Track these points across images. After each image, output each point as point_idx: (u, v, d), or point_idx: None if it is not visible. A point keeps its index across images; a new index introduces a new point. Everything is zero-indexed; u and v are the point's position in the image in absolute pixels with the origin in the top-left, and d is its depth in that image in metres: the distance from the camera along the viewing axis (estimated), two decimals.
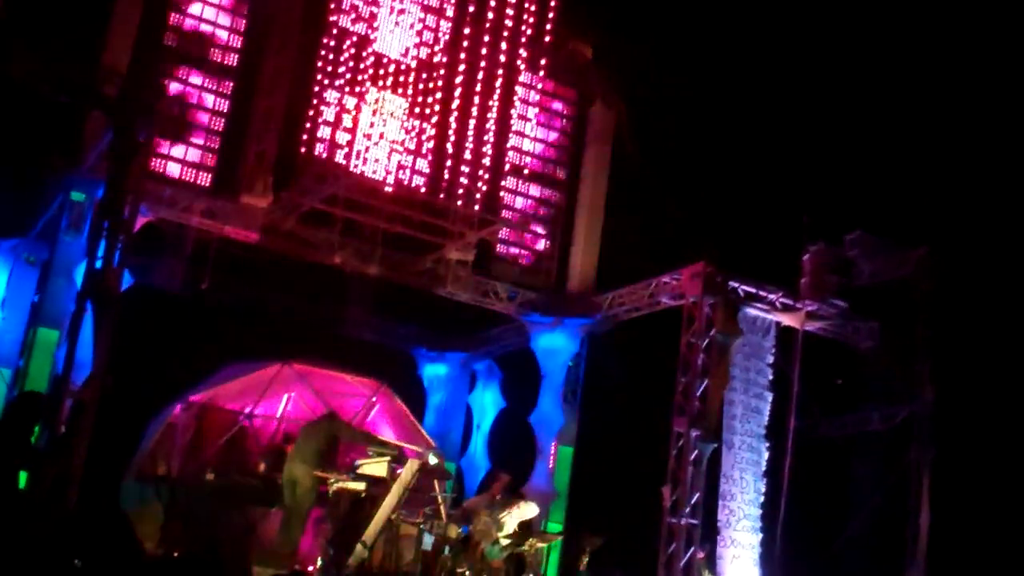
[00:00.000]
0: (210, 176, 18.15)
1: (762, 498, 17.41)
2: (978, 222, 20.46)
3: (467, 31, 19.57)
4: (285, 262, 19.06)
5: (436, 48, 19.46)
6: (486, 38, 19.75)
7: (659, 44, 20.90)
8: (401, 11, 19.31)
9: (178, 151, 18.01)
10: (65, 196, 16.97)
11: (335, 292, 19.87)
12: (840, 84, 22.59)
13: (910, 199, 20.55)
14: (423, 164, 19.32)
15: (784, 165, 21.71)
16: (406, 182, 19.15)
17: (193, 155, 18.13)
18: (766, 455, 17.65)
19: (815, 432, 19.23)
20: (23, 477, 11.90)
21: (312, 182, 18.12)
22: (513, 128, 20.65)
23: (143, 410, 17.76)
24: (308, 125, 18.42)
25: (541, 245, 20.98)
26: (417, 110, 19.21)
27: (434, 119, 19.29)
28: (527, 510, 15.60)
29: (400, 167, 19.08)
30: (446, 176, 19.52)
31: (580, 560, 16.47)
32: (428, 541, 15.54)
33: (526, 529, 16.29)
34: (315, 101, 18.41)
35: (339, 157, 18.59)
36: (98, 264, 14.20)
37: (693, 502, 17.11)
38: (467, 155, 19.55)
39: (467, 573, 14.80)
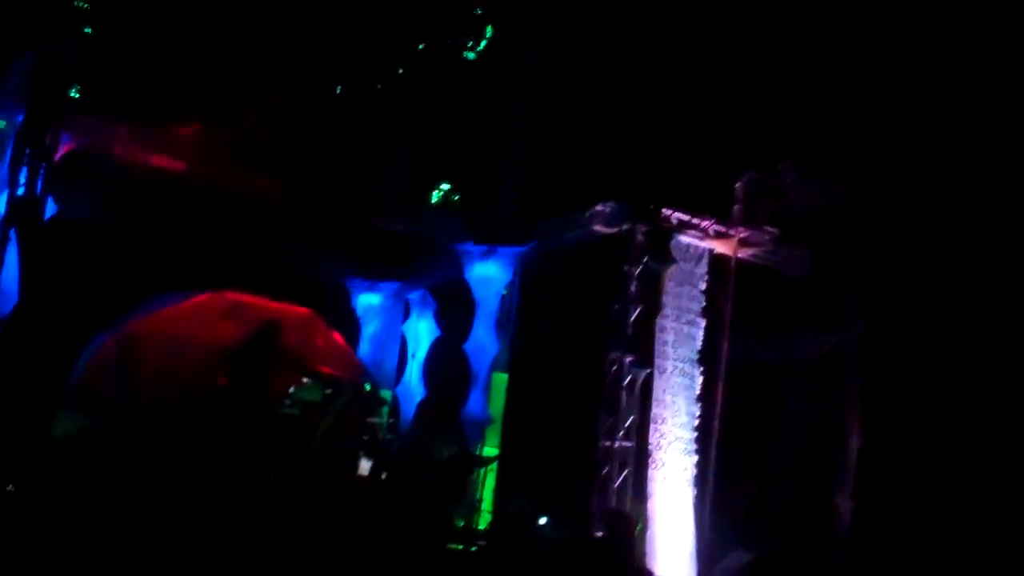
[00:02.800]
0: (135, 103, 17.77)
1: (696, 422, 17.55)
2: (907, 150, 20.63)
3: None
4: (214, 191, 18.73)
5: None
6: None
7: None
8: None
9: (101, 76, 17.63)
10: None
11: (267, 222, 19.60)
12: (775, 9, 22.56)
13: (841, 127, 20.64)
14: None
15: (717, 93, 21.69)
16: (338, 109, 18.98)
17: (118, 81, 17.75)
18: (699, 380, 17.78)
19: (748, 358, 19.38)
20: None
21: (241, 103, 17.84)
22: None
23: (75, 339, 17.51)
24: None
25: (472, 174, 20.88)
26: None
27: None
28: None
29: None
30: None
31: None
32: (365, 466, 15.62)
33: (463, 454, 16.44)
34: None
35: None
36: (20, 191, 13.98)
37: (627, 426, 17.25)
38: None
39: None
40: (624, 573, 13.59)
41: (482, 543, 15.94)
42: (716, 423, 17.76)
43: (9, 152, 15.79)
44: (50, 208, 15.56)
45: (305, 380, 15.22)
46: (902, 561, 17.83)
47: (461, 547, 15.35)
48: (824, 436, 19.00)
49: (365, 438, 15.34)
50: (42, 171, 14.50)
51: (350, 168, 19.15)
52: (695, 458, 17.39)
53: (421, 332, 22.42)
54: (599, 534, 16.00)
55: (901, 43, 20.92)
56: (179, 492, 11.38)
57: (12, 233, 14.32)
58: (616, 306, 17.76)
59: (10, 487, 10.15)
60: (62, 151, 15.87)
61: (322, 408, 14.69)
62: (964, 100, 19.91)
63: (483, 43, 21.22)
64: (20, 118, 15.45)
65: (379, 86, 19.51)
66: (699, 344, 17.92)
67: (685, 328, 17.90)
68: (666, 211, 17.94)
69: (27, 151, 14.61)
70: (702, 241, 18.31)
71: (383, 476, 15.31)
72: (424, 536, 13.66)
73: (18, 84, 15.90)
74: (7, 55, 16.45)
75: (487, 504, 18.09)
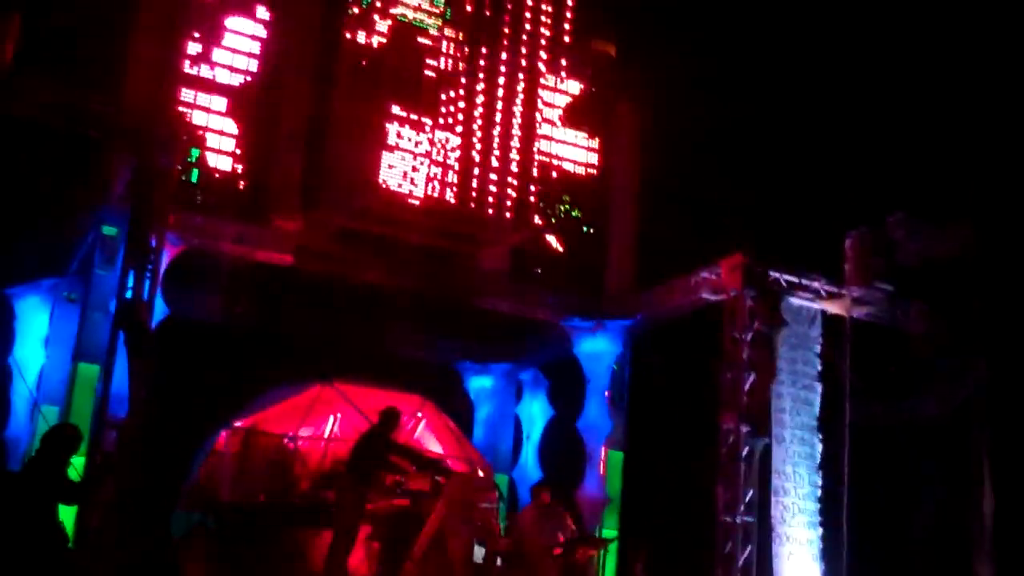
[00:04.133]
0: (239, 201, 18.11)
1: (818, 491, 16.99)
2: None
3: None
4: (321, 283, 18.92)
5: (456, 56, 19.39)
6: (505, 43, 19.65)
7: (684, 35, 20.62)
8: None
9: (202, 177, 17.98)
10: (97, 231, 16.93)
11: (373, 310, 19.72)
12: (873, 65, 22.19)
13: (952, 176, 20.09)
14: (452, 176, 19.24)
15: (819, 150, 21.33)
16: (435, 194, 19.07)
17: (220, 182, 18.10)
18: (819, 447, 17.24)
19: (870, 421, 18.78)
20: (64, 510, 11.89)
21: (341, 198, 18.03)
22: (539, 132, 20.46)
23: (189, 440, 17.71)
24: (332, 143, 18.37)
25: (577, 248, 20.73)
26: (441, 121, 19.13)
27: (459, 128, 19.19)
28: None
29: (429, 180, 19.00)
30: (475, 185, 19.43)
31: (635, 566, 16.24)
32: (479, 554, 15.37)
33: (578, 537, 16.09)
34: (337, 119, 18.34)
35: (366, 174, 18.57)
36: (128, 295, 14.21)
37: (747, 500, 16.76)
38: (494, 162, 19.44)
39: None
40: None
41: None
42: (842, 492, 17.16)
43: (120, 258, 16.18)
44: (164, 310, 15.82)
45: (415, 469, 15.06)
46: None
47: None
48: (957, 499, 18.24)
49: (479, 524, 15.10)
50: (148, 273, 14.71)
51: (451, 250, 19.19)
52: (820, 531, 16.80)
53: (535, 413, 22.22)
54: None
55: (1007, 82, 20.36)
56: None
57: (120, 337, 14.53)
58: (728, 374, 17.35)
59: None
60: (173, 252, 16.18)
61: (433, 496, 14.51)
62: None
63: None
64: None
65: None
66: (817, 410, 17.40)
67: (802, 394, 17.41)
68: (774, 273, 17.57)
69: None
70: (814, 303, 17.87)
71: (498, 562, 15.05)
72: None
73: (125, 190, 16.30)
74: (113, 162, 16.90)
75: None
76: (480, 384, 22.77)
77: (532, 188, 20.32)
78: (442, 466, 14.89)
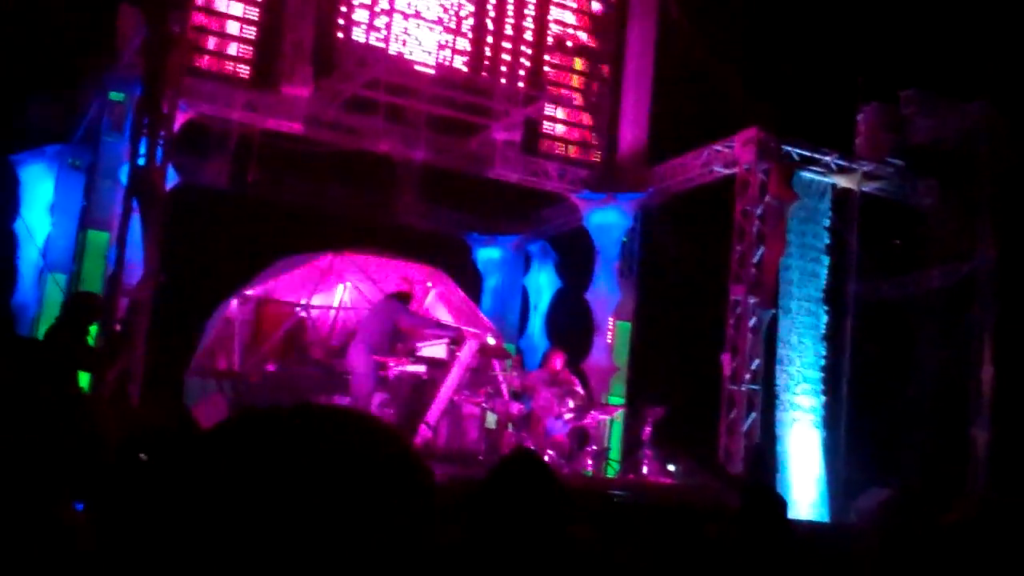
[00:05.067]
0: (249, 68, 17.97)
1: (822, 361, 17.25)
2: None
3: None
4: (330, 152, 18.88)
5: None
6: None
7: None
8: None
9: (215, 44, 17.82)
10: (104, 97, 16.85)
11: (383, 181, 19.71)
12: None
13: (966, 54, 19.89)
14: (464, 43, 19.06)
15: (833, 24, 21.09)
16: (447, 62, 18.90)
17: (230, 48, 17.93)
18: (825, 319, 17.44)
19: (875, 294, 18.95)
20: (84, 377, 12.04)
21: (352, 67, 17.88)
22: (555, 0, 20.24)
23: (199, 308, 17.86)
24: (344, 9, 18.17)
25: (589, 120, 20.64)
26: None
27: None
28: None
29: (440, 47, 18.82)
30: (488, 54, 19.26)
31: (643, 431, 16.46)
32: (491, 420, 15.64)
33: (588, 403, 16.34)
34: None
35: (377, 41, 18.37)
36: (141, 162, 14.19)
37: (753, 368, 16.99)
38: (508, 30, 19.24)
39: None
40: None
41: (615, 493, 15.83)
42: (845, 362, 17.40)
43: (128, 125, 16.11)
44: (173, 178, 15.80)
45: (430, 336, 15.23)
46: None
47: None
48: (957, 368, 18.50)
49: (490, 391, 15.33)
50: (161, 140, 14.65)
51: (462, 121, 19.09)
52: (823, 399, 17.07)
53: (542, 284, 22.34)
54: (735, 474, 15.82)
55: None
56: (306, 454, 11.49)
57: (134, 204, 14.54)
58: (738, 247, 17.46)
59: (143, 456, 10.32)
60: (181, 119, 16.10)
61: (448, 363, 14.70)
62: None
63: None
64: (138, 90, 15.68)
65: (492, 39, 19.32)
66: (824, 282, 17.56)
67: (809, 266, 17.56)
68: (786, 147, 17.56)
69: (145, 121, 14.78)
70: (825, 176, 17.90)
71: (509, 428, 15.32)
72: (551, 488, 13.59)
73: (134, 55, 16.16)
74: (122, 26, 16.72)
75: (615, 453, 18.00)
76: (488, 255, 22.88)
77: (546, 58, 20.14)
78: (457, 334, 15.02)
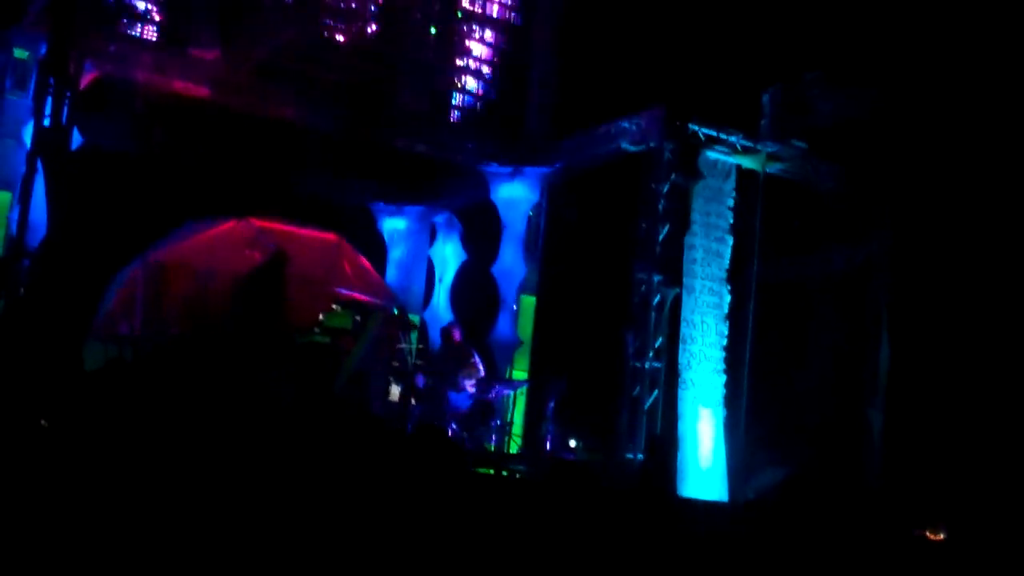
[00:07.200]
0: (156, 29, 17.65)
1: (724, 340, 17.52)
2: (935, 62, 20.26)
3: None
4: (238, 118, 18.64)
5: None
6: None
7: None
8: None
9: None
10: (7, 54, 16.46)
11: (290, 147, 19.52)
12: None
13: (869, 37, 20.27)
14: (374, 11, 18.96)
15: (743, 5, 21.33)
16: (358, 31, 18.78)
17: (138, 7, 17.60)
18: (728, 299, 17.70)
19: (777, 275, 19.28)
20: None
21: (261, 31, 17.67)
22: None
23: (102, 271, 17.57)
24: None
25: (497, 92, 20.64)
26: None
27: None
28: None
29: (350, 14, 18.69)
30: (397, 22, 19.17)
31: (545, 406, 16.65)
32: (395, 392, 15.68)
33: (490, 376, 16.47)
34: None
35: (288, 5, 18.20)
36: (46, 122, 13.93)
37: (656, 346, 17.21)
38: None
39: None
40: (661, 495, 13.62)
41: (517, 468, 16.01)
42: (747, 342, 17.70)
43: (32, 83, 15.79)
44: (77, 139, 15.53)
45: (335, 306, 15.21)
46: (934, 472, 17.83)
47: (492, 472, 15.42)
48: (854, 350, 18.94)
49: (395, 364, 15.38)
50: (67, 101, 14.38)
51: (370, 90, 18.97)
52: (724, 378, 17.37)
53: (448, 256, 22.34)
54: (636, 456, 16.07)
55: None
56: (207, 423, 11.40)
57: (39, 164, 14.29)
58: (644, 224, 17.63)
59: (43, 422, 10.19)
60: (86, 80, 15.80)
61: (353, 334, 14.71)
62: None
63: None
64: (43, 48, 15.36)
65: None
66: (727, 262, 17.83)
67: (714, 246, 17.79)
68: (693, 126, 17.76)
69: (51, 81, 14.50)
70: (730, 156, 18.14)
71: (412, 401, 15.38)
72: (455, 461, 13.68)
73: (39, 14, 15.81)
74: None
75: (517, 428, 18.15)
76: (393, 226, 22.79)
77: (455, 28, 20.07)
78: (361, 304, 15.02)
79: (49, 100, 13.93)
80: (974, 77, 19.31)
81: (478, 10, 20.35)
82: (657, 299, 17.31)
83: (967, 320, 18.96)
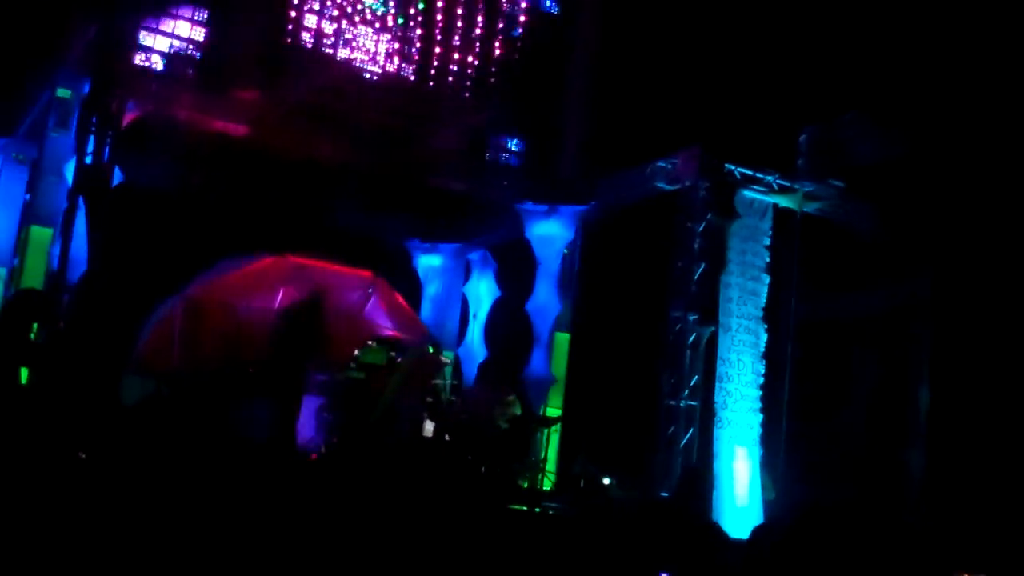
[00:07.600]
0: (197, 70, 17.86)
1: (761, 379, 17.44)
2: (973, 101, 20.21)
3: None
4: (276, 156, 18.78)
5: None
6: None
7: None
8: None
9: (163, 44, 17.68)
10: (51, 93, 16.75)
11: (327, 186, 19.64)
12: None
13: (906, 80, 20.26)
14: (412, 51, 19.10)
15: (779, 46, 21.37)
16: (395, 70, 18.94)
17: (179, 48, 17.81)
18: (764, 337, 17.64)
19: (814, 315, 19.19)
20: (24, 373, 11.94)
21: (299, 72, 17.85)
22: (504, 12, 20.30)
23: (141, 306, 17.69)
24: (292, 14, 18.13)
25: (534, 132, 20.71)
26: None
27: (421, 4, 19.02)
28: None
29: (388, 54, 18.85)
30: (435, 63, 19.31)
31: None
32: (429, 428, 15.68)
33: (525, 415, 16.45)
34: None
35: (326, 46, 18.37)
36: (88, 160, 14.12)
37: (691, 385, 17.16)
38: (456, 41, 19.31)
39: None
40: (694, 532, 13.49)
41: (550, 505, 15.94)
42: (785, 380, 17.61)
43: (75, 121, 16.01)
44: (117, 176, 15.71)
45: (370, 343, 15.26)
46: (975, 515, 17.62)
47: (525, 508, 15.35)
48: (894, 392, 18.79)
49: (429, 400, 15.39)
50: (109, 139, 14.59)
51: (407, 129, 19.09)
52: (761, 417, 17.28)
53: (482, 293, 22.40)
54: (666, 494, 15.95)
55: None
56: (244, 458, 11.45)
57: (80, 201, 14.48)
58: (679, 263, 17.65)
59: (81, 455, 10.27)
60: (128, 119, 16.00)
61: (387, 371, 14.74)
62: None
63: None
64: (85, 88, 15.59)
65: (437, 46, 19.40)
66: (764, 301, 17.77)
67: (750, 284, 17.75)
68: (729, 166, 17.78)
69: (93, 119, 14.71)
70: (766, 196, 18.14)
71: (446, 438, 15.36)
72: (487, 497, 13.68)
73: (82, 54, 16.05)
74: (71, 25, 16.60)
75: (551, 465, 18.09)
76: (429, 263, 22.89)
77: (492, 69, 20.20)
78: (396, 341, 15.07)
79: (91, 138, 14.11)
80: (1013, 117, 19.24)
81: (516, 53, 20.43)
82: (692, 337, 17.29)
83: (1010, 362, 18.77)
